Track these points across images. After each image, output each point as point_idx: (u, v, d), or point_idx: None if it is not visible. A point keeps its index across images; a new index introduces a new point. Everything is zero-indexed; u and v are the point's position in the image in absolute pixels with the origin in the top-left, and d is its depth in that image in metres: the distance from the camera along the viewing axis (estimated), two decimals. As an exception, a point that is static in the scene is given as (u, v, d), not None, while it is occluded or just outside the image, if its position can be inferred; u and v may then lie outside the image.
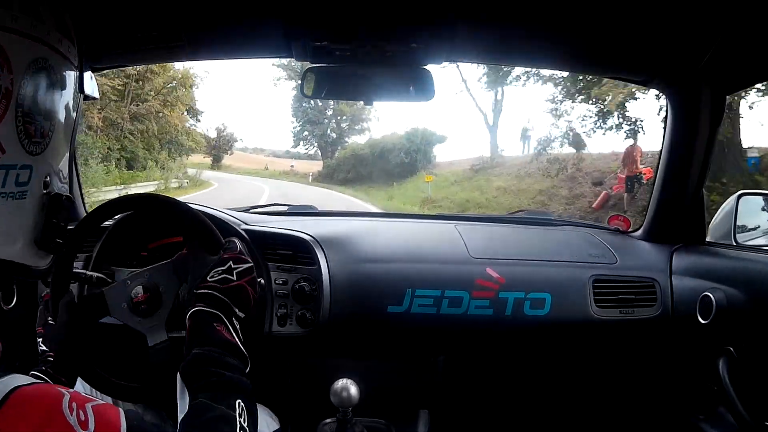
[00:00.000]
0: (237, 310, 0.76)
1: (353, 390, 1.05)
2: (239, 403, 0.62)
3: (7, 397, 0.41)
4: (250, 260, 0.83)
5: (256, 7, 0.99)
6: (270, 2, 0.97)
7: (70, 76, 0.53)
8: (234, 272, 0.79)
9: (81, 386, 0.91)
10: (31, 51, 0.47)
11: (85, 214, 1.05)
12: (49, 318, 0.89)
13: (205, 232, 0.89)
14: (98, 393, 0.89)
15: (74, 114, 0.56)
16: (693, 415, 1.27)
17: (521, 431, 1.45)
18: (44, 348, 0.88)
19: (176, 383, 0.65)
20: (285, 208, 1.52)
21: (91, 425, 0.43)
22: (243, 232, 1.15)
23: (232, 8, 1.01)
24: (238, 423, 0.59)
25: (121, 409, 0.49)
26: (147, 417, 0.95)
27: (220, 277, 0.78)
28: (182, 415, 0.62)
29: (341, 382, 1.05)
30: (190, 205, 1.00)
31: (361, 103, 1.29)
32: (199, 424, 0.58)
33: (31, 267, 0.53)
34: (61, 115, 0.52)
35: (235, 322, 0.75)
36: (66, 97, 0.53)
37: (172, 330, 0.90)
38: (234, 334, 0.73)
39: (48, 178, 0.52)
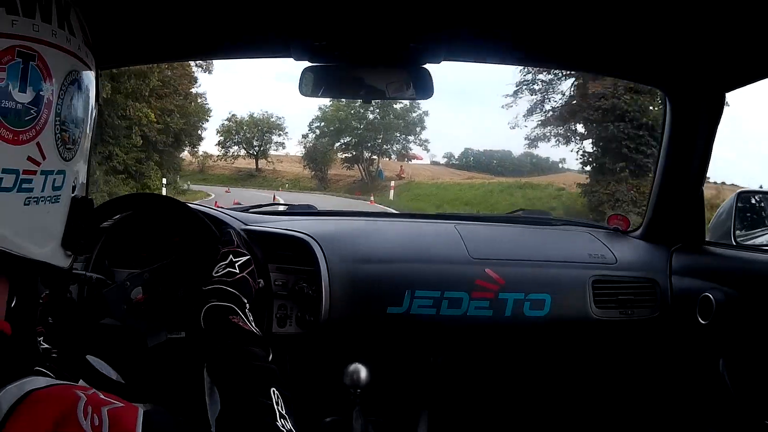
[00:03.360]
0: (246, 302, 0.78)
1: (363, 373, 1.11)
2: (273, 391, 0.63)
3: (21, 400, 0.41)
4: (247, 252, 0.85)
5: (255, 7, 0.99)
6: (269, 2, 0.97)
7: (93, 85, 0.58)
8: (236, 265, 0.81)
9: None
10: (67, 64, 0.50)
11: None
12: (49, 318, 0.89)
13: (201, 228, 0.89)
14: None
15: (94, 121, 0.60)
16: (693, 416, 1.27)
17: (521, 431, 1.45)
18: (46, 346, 0.88)
19: (177, 382, 0.65)
20: (284, 208, 1.52)
21: (105, 430, 0.42)
22: (244, 233, 1.15)
23: (231, 8, 1.01)
24: (277, 411, 0.60)
25: (140, 410, 0.47)
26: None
27: (225, 271, 0.80)
28: (215, 413, 0.62)
29: (353, 366, 1.12)
30: (189, 204, 1.00)
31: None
32: (240, 419, 0.59)
33: (57, 267, 0.55)
34: (88, 122, 0.57)
35: (249, 313, 0.77)
36: (91, 105, 0.57)
37: (171, 331, 0.90)
38: (251, 324, 0.74)
39: (75, 183, 0.55)
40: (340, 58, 1.11)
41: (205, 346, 0.71)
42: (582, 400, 1.40)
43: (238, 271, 0.80)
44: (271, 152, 28.33)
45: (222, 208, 1.31)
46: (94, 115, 0.60)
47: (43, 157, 0.48)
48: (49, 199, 0.50)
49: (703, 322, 1.14)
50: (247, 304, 0.78)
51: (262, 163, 28.38)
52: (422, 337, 1.23)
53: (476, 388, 1.38)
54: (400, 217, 1.55)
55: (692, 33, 1.03)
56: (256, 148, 28.09)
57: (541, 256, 1.29)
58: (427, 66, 1.13)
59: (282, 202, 1.56)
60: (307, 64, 1.14)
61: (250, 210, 1.45)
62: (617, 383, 1.36)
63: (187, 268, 0.89)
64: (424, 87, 1.14)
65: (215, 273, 0.80)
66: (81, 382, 0.89)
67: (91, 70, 0.56)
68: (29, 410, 0.41)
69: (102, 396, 0.46)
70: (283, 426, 0.59)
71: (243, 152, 28.04)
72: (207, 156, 27.74)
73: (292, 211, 1.49)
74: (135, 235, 1.15)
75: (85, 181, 0.59)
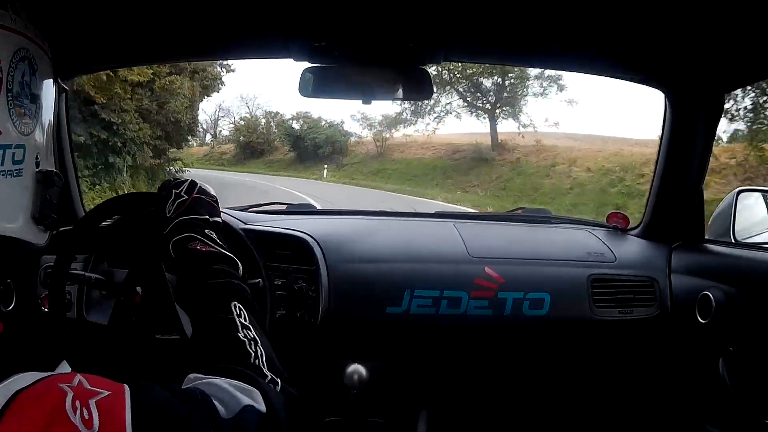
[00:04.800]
0: (208, 218, 0.78)
1: (363, 373, 1.11)
2: (234, 304, 0.63)
3: (9, 403, 0.41)
4: (186, 178, 0.85)
5: (255, 7, 0.99)
6: (268, 2, 0.97)
7: (48, 65, 0.60)
8: (182, 193, 0.81)
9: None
10: (14, 42, 0.52)
11: (83, 215, 1.05)
12: (44, 308, 0.90)
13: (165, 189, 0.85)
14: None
15: (53, 101, 0.62)
16: (693, 415, 1.27)
17: (520, 431, 1.45)
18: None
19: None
20: (283, 207, 1.52)
21: (96, 423, 0.42)
22: (243, 233, 1.15)
23: (231, 8, 1.01)
24: (238, 323, 0.61)
25: (127, 391, 0.46)
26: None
27: (174, 205, 0.80)
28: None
29: (353, 366, 1.12)
30: None
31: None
32: (202, 339, 0.60)
33: (32, 243, 0.57)
34: (44, 99, 0.58)
35: (210, 232, 0.77)
36: (45, 82, 0.59)
37: (163, 333, 0.91)
38: (211, 243, 0.75)
39: (38, 157, 0.57)
40: (339, 58, 1.11)
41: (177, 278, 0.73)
42: (581, 399, 1.40)
43: (185, 197, 0.80)
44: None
45: (221, 207, 1.31)
46: (55, 92, 0.62)
47: None
48: (10, 173, 0.51)
49: (702, 320, 1.14)
50: (205, 224, 0.77)
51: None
52: (422, 337, 1.23)
53: (476, 387, 1.38)
54: (399, 216, 1.54)
55: (692, 33, 1.03)
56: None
57: (540, 254, 1.29)
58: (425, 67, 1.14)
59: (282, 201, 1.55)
60: (307, 64, 1.14)
61: (250, 209, 1.44)
62: (617, 382, 1.36)
63: (140, 227, 0.88)
64: (423, 88, 1.14)
65: (168, 213, 0.80)
66: (64, 364, 0.90)
67: (42, 49, 0.58)
68: (18, 413, 0.40)
69: (87, 385, 0.45)
70: (245, 336, 0.60)
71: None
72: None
73: (292, 210, 1.49)
74: (135, 235, 1.15)
75: (50, 157, 0.61)
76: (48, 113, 0.60)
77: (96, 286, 0.99)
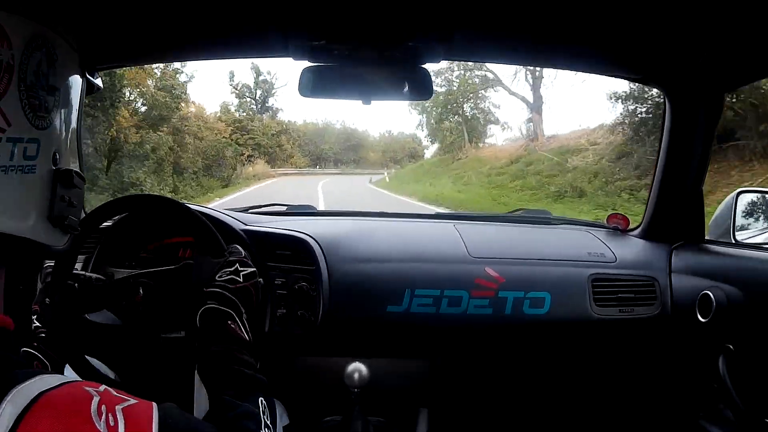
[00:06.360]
0: (244, 311, 0.79)
1: (363, 372, 1.10)
2: (261, 400, 0.63)
3: (33, 403, 0.39)
4: (253, 265, 0.86)
5: (254, 6, 0.99)
6: (268, 1, 0.97)
7: (70, 55, 0.55)
8: (241, 274, 0.82)
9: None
10: (29, 28, 0.48)
11: (84, 215, 1.05)
12: (47, 299, 0.90)
13: (209, 236, 0.90)
14: None
15: (77, 96, 0.58)
16: (693, 414, 1.27)
17: (521, 430, 1.45)
18: (38, 324, 0.89)
19: (172, 381, 0.65)
20: (284, 208, 1.51)
21: (121, 430, 0.41)
22: (243, 234, 1.15)
23: (230, 8, 1.01)
24: (262, 420, 0.60)
25: (155, 407, 0.46)
26: None
27: (228, 277, 0.81)
28: (203, 413, 0.63)
29: (353, 365, 1.11)
30: (188, 205, 1.00)
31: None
32: (226, 421, 0.59)
33: (48, 246, 0.53)
34: (64, 92, 0.54)
35: (245, 322, 0.77)
36: (67, 74, 0.54)
37: (167, 331, 0.91)
38: (245, 333, 0.75)
39: (57, 155, 0.53)
40: (339, 57, 1.11)
41: (199, 346, 0.72)
42: (582, 399, 1.40)
43: (242, 280, 0.82)
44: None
45: (220, 209, 1.31)
46: (79, 91, 0.58)
47: (8, 124, 0.46)
48: (21, 168, 0.48)
49: (702, 320, 1.14)
50: (245, 314, 0.79)
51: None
52: (422, 336, 1.23)
53: (476, 386, 1.38)
54: (399, 216, 1.54)
55: (692, 33, 1.03)
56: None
57: (541, 254, 1.29)
58: (425, 66, 1.13)
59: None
60: (306, 64, 1.14)
61: (249, 210, 1.44)
62: (617, 380, 1.36)
63: (191, 272, 0.89)
64: (423, 87, 1.14)
65: (218, 277, 0.81)
66: (68, 369, 0.90)
67: (64, 38, 0.54)
68: (41, 413, 0.39)
69: (114, 393, 0.44)
70: None
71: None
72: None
73: (292, 211, 1.49)
74: (135, 235, 1.15)
75: (75, 157, 0.57)
76: (71, 109, 0.55)
77: (96, 286, 0.98)
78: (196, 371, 0.67)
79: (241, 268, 0.83)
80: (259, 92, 25.15)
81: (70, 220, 0.55)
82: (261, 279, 1.06)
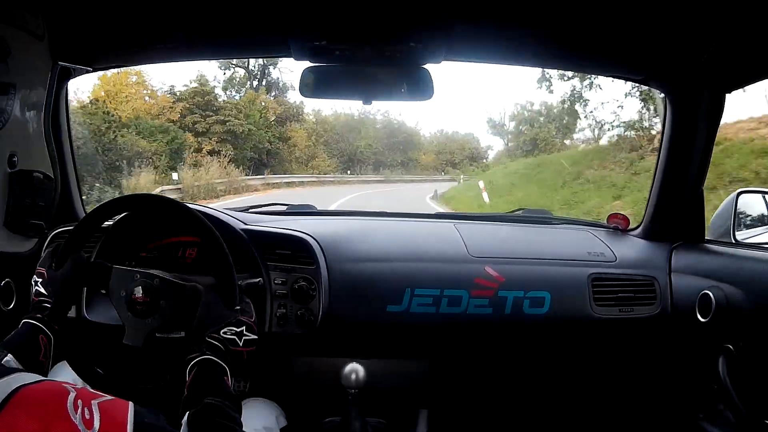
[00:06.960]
0: (229, 372, 0.79)
1: (360, 373, 1.11)
2: None
3: (10, 396, 0.40)
4: (257, 331, 0.88)
5: (256, 6, 0.99)
6: (269, 1, 0.97)
7: (34, 53, 0.51)
8: (243, 339, 0.84)
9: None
10: None
11: (85, 215, 1.05)
12: (53, 263, 0.89)
13: (226, 282, 0.90)
14: None
15: (44, 90, 0.54)
16: (693, 414, 1.27)
17: (521, 430, 1.45)
18: (41, 290, 0.87)
19: (167, 381, 0.64)
20: (284, 208, 1.52)
21: (96, 424, 0.42)
22: (243, 233, 1.15)
23: (231, 8, 1.01)
24: None
25: (131, 405, 0.47)
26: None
27: (231, 337, 0.83)
28: None
29: (350, 366, 1.11)
30: (188, 205, 1.00)
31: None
32: None
33: (8, 253, 0.51)
34: (22, 88, 0.49)
35: (233, 379, 0.79)
36: (27, 67, 0.50)
37: (162, 331, 0.91)
38: (233, 389, 0.77)
39: (15, 157, 0.49)
40: (340, 57, 1.11)
41: (190, 394, 0.72)
42: (582, 398, 1.40)
43: (241, 345, 0.83)
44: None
45: (221, 208, 1.31)
46: (49, 88, 0.52)
47: None
48: None
49: (702, 319, 1.14)
50: (235, 373, 0.80)
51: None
52: (422, 336, 1.23)
53: (476, 386, 1.38)
54: (398, 216, 1.55)
55: (693, 34, 1.03)
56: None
57: (541, 254, 1.29)
58: (427, 66, 1.14)
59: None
60: (308, 64, 1.15)
61: (250, 210, 1.44)
62: (617, 381, 1.36)
63: (197, 304, 0.88)
64: (424, 87, 1.14)
65: (223, 332, 0.83)
66: (64, 364, 0.89)
67: (27, 31, 0.49)
68: (18, 406, 0.40)
69: (91, 390, 0.45)
70: None
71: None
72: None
73: (292, 211, 1.49)
74: (135, 234, 1.15)
75: (43, 158, 0.52)
76: (33, 106, 0.51)
77: (99, 270, 0.98)
78: (185, 419, 0.66)
79: (246, 334, 0.85)
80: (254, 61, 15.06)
81: (32, 224, 0.51)
82: (260, 279, 1.07)
